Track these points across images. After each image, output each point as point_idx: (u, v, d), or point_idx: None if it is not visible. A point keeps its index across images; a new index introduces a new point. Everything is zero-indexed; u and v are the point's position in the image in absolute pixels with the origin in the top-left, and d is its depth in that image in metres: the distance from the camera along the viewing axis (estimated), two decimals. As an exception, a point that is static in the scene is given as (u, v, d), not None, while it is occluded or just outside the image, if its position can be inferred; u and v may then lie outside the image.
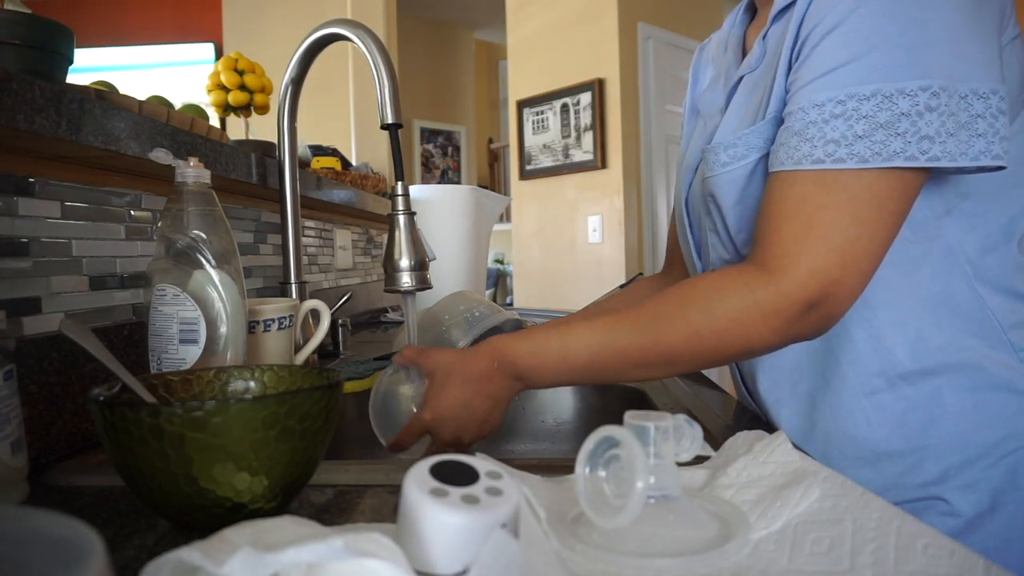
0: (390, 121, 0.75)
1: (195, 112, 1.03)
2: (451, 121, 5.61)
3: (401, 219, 0.73)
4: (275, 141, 1.01)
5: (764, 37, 0.66)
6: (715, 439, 0.58)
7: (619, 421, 0.37)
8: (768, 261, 0.56)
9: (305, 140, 1.84)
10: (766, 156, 0.62)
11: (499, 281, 5.34)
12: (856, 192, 0.54)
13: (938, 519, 0.61)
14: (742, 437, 0.49)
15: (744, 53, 0.74)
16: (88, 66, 3.73)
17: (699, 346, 0.56)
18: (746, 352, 0.57)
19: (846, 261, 0.54)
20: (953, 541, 0.33)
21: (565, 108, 3.39)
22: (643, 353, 0.58)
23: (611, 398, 0.84)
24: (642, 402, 0.80)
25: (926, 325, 0.62)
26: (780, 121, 0.60)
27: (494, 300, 3.44)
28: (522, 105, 3.61)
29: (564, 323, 0.63)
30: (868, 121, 0.52)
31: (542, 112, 3.52)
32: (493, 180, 6.05)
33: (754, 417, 0.70)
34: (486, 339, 0.63)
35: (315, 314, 0.88)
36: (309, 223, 1.38)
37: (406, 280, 0.73)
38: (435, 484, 0.31)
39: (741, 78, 0.69)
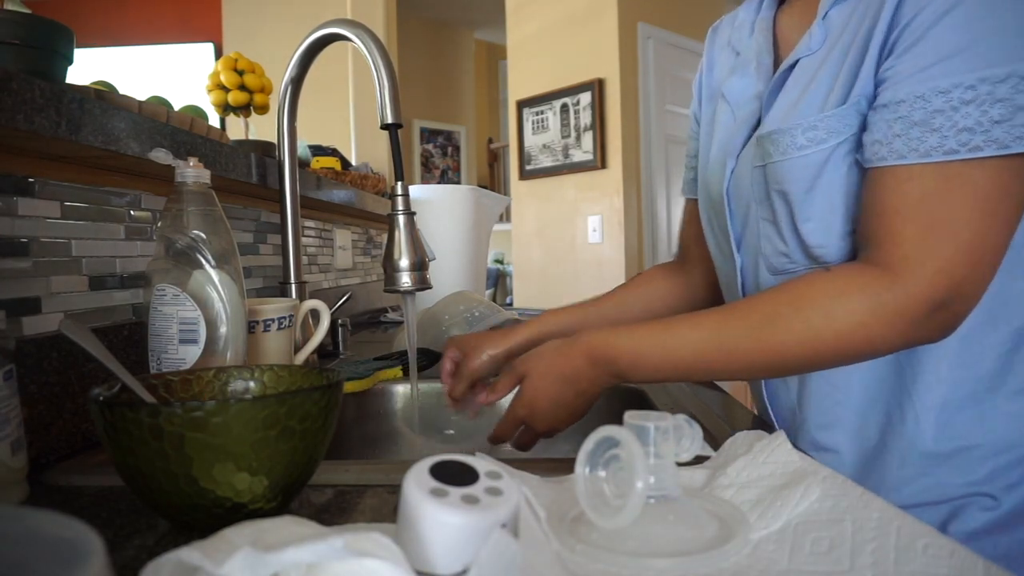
0: (390, 121, 0.75)
1: (195, 112, 1.03)
2: (451, 121, 5.61)
3: (401, 219, 0.73)
4: (275, 141, 1.01)
5: (824, 18, 0.63)
6: (715, 439, 0.58)
7: (619, 421, 0.37)
8: (891, 262, 0.54)
9: (305, 140, 1.84)
10: (843, 143, 0.60)
11: (499, 281, 5.34)
12: (981, 183, 0.52)
13: (980, 513, 0.61)
14: (742, 437, 0.49)
15: (775, 37, 0.72)
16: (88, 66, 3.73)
17: (817, 349, 0.55)
18: (866, 355, 0.56)
19: (975, 258, 0.52)
20: (953, 541, 0.33)
21: (565, 108, 3.39)
22: (753, 354, 0.57)
23: (611, 398, 0.84)
24: (642, 402, 0.80)
25: (1012, 327, 0.60)
26: (863, 106, 0.58)
27: (494, 300, 3.44)
28: (522, 105, 3.61)
29: (664, 320, 0.62)
30: (1005, 105, 0.50)
31: (542, 112, 3.52)
32: (493, 180, 6.05)
33: (760, 422, 0.70)
34: (579, 335, 0.63)
35: (315, 314, 0.88)
36: (309, 223, 1.38)
37: (406, 280, 0.73)
38: (435, 484, 0.31)
39: (796, 63, 0.66)
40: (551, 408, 0.63)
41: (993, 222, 0.52)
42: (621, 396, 0.82)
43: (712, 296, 0.85)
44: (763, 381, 0.73)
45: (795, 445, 0.47)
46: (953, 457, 0.62)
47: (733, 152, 0.72)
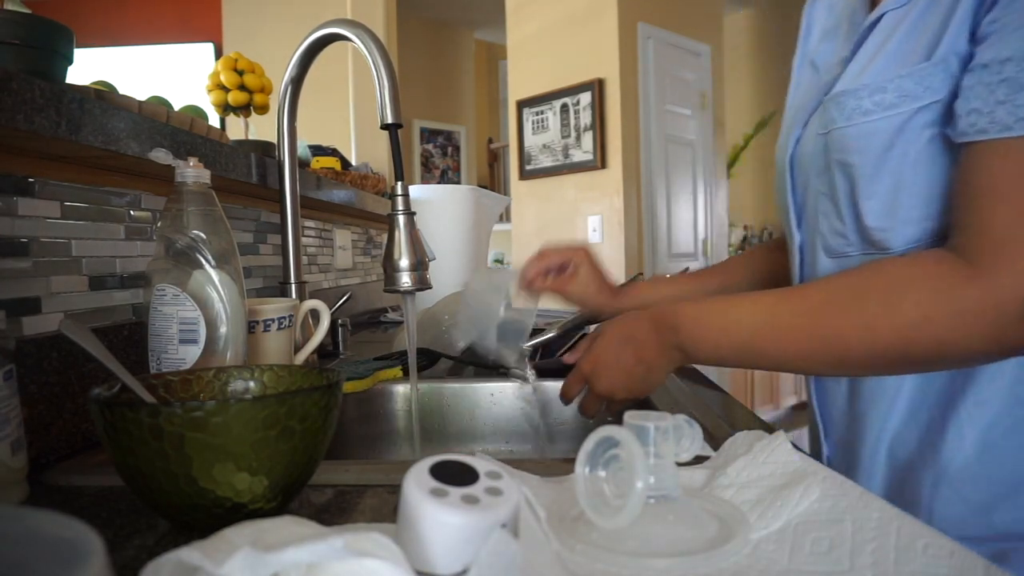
0: (390, 121, 0.75)
1: (195, 112, 1.03)
2: (451, 121, 5.61)
3: (401, 219, 0.73)
4: (275, 141, 1.01)
5: None
6: (715, 439, 0.58)
7: (619, 421, 0.37)
8: (976, 251, 0.46)
9: (305, 140, 1.84)
10: (923, 110, 0.52)
11: (499, 281, 5.33)
12: None
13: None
14: (742, 437, 0.49)
15: None
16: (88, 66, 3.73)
17: (875, 345, 0.48)
18: (935, 359, 0.48)
19: None
20: (953, 541, 0.33)
21: (565, 108, 3.39)
22: (807, 342, 0.51)
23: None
24: (642, 402, 0.80)
25: None
26: (952, 66, 0.50)
27: (494, 300, 3.44)
28: (522, 105, 3.61)
29: (729, 295, 0.58)
30: None
31: (542, 112, 3.52)
32: (493, 180, 6.05)
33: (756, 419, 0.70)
34: (662, 304, 0.61)
35: (315, 314, 0.88)
36: (309, 223, 1.38)
37: (406, 280, 0.73)
38: (435, 484, 0.31)
39: (880, 17, 0.58)
40: (611, 369, 0.60)
41: None
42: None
43: None
44: (812, 378, 0.68)
45: (852, 460, 0.44)
46: (998, 488, 0.54)
47: (801, 120, 0.66)
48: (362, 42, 0.78)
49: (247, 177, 0.91)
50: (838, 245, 0.61)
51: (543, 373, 0.87)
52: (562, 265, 0.82)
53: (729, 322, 0.55)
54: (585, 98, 3.28)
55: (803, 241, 0.67)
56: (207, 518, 0.39)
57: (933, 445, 0.57)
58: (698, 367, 0.94)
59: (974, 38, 0.49)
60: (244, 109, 1.33)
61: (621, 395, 0.61)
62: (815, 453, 0.71)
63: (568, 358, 0.70)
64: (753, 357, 0.55)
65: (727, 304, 0.57)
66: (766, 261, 0.85)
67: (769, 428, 0.60)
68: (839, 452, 0.68)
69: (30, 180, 0.60)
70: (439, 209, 1.33)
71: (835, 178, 0.59)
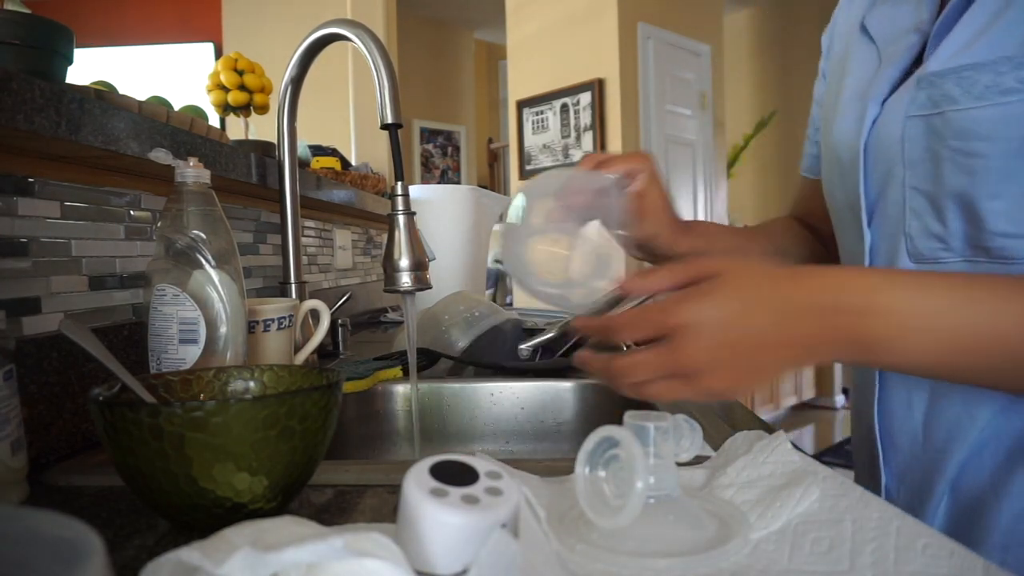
0: (390, 121, 0.75)
1: (195, 112, 1.03)
2: (451, 121, 5.62)
3: (401, 219, 0.73)
4: (275, 141, 1.01)
5: None
6: (715, 439, 0.58)
7: (619, 421, 0.37)
8: None
9: (305, 140, 1.84)
10: None
11: (499, 281, 5.34)
12: None
13: None
14: (742, 437, 0.49)
15: None
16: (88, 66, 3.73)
17: None
18: None
19: None
20: (953, 541, 0.33)
21: (565, 108, 3.39)
22: None
23: (611, 398, 0.84)
24: (642, 403, 0.80)
25: None
26: None
27: (494, 300, 3.44)
28: (522, 105, 3.61)
29: (956, 277, 0.43)
30: None
31: (542, 112, 3.52)
32: (493, 180, 6.05)
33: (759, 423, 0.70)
34: (823, 266, 0.43)
35: (315, 314, 0.88)
36: (309, 223, 1.38)
37: (406, 280, 0.73)
38: (435, 484, 0.31)
39: None
40: (729, 343, 0.40)
41: None
42: (621, 396, 0.82)
43: None
44: (876, 399, 0.57)
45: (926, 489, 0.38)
46: None
47: (877, 97, 0.55)
48: (362, 42, 0.78)
49: (247, 177, 0.91)
50: (931, 251, 0.51)
51: (543, 373, 0.87)
52: (622, 178, 0.60)
53: (962, 324, 0.40)
54: (585, 98, 3.28)
55: (874, 243, 0.56)
56: (207, 518, 0.39)
57: (1008, 478, 0.50)
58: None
59: None
60: (244, 109, 1.33)
61: (716, 385, 0.41)
62: (866, 481, 0.62)
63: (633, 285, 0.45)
64: (957, 369, 0.42)
65: (954, 291, 0.41)
66: (806, 237, 0.75)
67: (769, 428, 0.60)
68: (900, 484, 0.59)
69: (30, 180, 0.60)
70: (439, 209, 1.33)
71: (944, 170, 0.49)
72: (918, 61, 0.53)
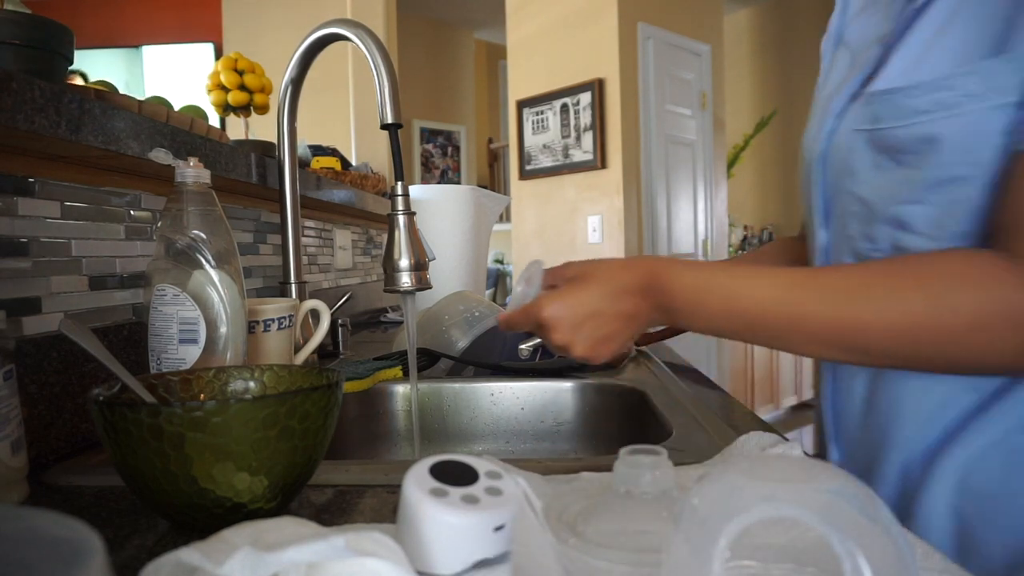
0: (390, 121, 0.75)
1: (195, 112, 1.03)
2: (451, 121, 5.61)
3: (401, 219, 0.73)
4: (275, 141, 1.01)
5: None
6: (715, 439, 0.58)
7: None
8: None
9: (305, 140, 1.84)
10: (994, 112, 0.46)
11: (499, 281, 5.34)
12: None
13: None
14: (755, 438, 0.48)
15: None
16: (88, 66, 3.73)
17: (911, 341, 0.44)
18: (974, 367, 0.45)
19: None
20: (945, 559, 0.33)
21: (565, 108, 3.39)
22: (827, 329, 0.47)
23: (611, 399, 0.84)
24: (642, 404, 0.80)
25: None
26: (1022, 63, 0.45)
27: (494, 300, 3.44)
28: (522, 105, 3.61)
29: (736, 264, 0.54)
30: None
31: (542, 112, 3.52)
32: (493, 180, 6.05)
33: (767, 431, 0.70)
34: (645, 257, 0.57)
35: (315, 314, 0.88)
36: (309, 223, 1.38)
37: (406, 280, 0.73)
38: (435, 484, 0.31)
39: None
40: (579, 316, 0.53)
41: None
42: (621, 397, 0.82)
43: None
44: (825, 386, 0.64)
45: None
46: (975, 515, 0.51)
47: (835, 110, 0.60)
48: (362, 42, 0.78)
49: (247, 177, 0.91)
50: (866, 250, 0.57)
51: (543, 373, 0.87)
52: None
53: (733, 296, 0.51)
54: (585, 98, 3.28)
55: (829, 242, 0.62)
56: (207, 518, 0.39)
57: (937, 463, 0.54)
58: (699, 369, 0.94)
59: None
60: (244, 109, 1.33)
61: (579, 351, 0.55)
62: (820, 454, 0.69)
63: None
64: (755, 336, 0.52)
65: (733, 274, 0.52)
66: (801, 252, 0.78)
67: (769, 428, 0.60)
68: (849, 462, 0.64)
69: (30, 180, 0.60)
70: (439, 209, 1.33)
71: (879, 179, 0.54)
72: (875, 73, 0.56)
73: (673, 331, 0.91)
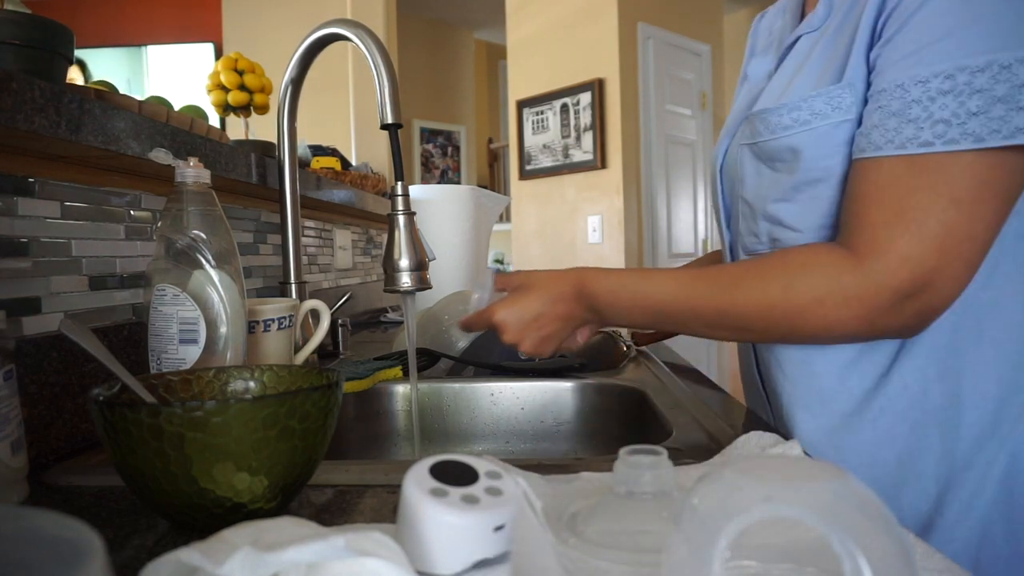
0: (390, 121, 0.75)
1: (195, 112, 1.03)
2: (451, 121, 5.61)
3: (401, 219, 0.73)
4: (275, 141, 1.01)
5: None
6: (715, 440, 0.58)
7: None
8: (857, 246, 0.54)
9: (305, 140, 1.84)
10: (838, 128, 0.58)
11: (499, 281, 5.33)
12: (956, 175, 0.50)
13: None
14: (755, 438, 0.48)
15: (803, 15, 0.71)
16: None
17: (773, 319, 0.56)
18: (822, 335, 0.56)
19: (944, 249, 0.50)
20: (945, 559, 0.33)
21: (565, 108, 3.39)
22: (715, 314, 0.59)
23: (611, 399, 0.84)
24: (642, 403, 0.80)
25: None
26: (859, 90, 0.57)
27: (494, 300, 3.44)
28: (522, 105, 3.61)
29: (649, 269, 0.66)
30: (983, 96, 0.48)
31: (542, 112, 3.52)
32: (493, 180, 6.05)
33: (766, 426, 0.70)
34: (576, 268, 0.67)
35: (315, 314, 0.88)
36: (309, 223, 1.38)
37: (406, 280, 0.73)
38: (435, 484, 0.31)
39: (797, 39, 0.65)
40: (524, 320, 0.65)
41: (966, 215, 0.50)
42: (621, 397, 0.82)
43: None
44: (755, 362, 0.75)
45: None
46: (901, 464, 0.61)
47: (730, 131, 0.74)
48: (362, 42, 0.78)
49: (247, 177, 0.91)
50: (752, 244, 0.69)
51: (543, 373, 0.87)
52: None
53: (641, 294, 0.63)
54: (585, 98, 3.28)
55: (731, 240, 0.75)
56: (207, 518, 0.39)
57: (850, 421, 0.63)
58: (699, 369, 0.94)
59: (869, 68, 0.56)
60: (244, 109, 1.33)
61: (526, 347, 0.66)
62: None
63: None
64: (662, 324, 0.64)
65: (642, 276, 0.64)
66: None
67: (769, 428, 0.60)
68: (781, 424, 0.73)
69: (30, 180, 0.60)
70: (439, 209, 1.33)
71: (759, 184, 0.67)
72: None
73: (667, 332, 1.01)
